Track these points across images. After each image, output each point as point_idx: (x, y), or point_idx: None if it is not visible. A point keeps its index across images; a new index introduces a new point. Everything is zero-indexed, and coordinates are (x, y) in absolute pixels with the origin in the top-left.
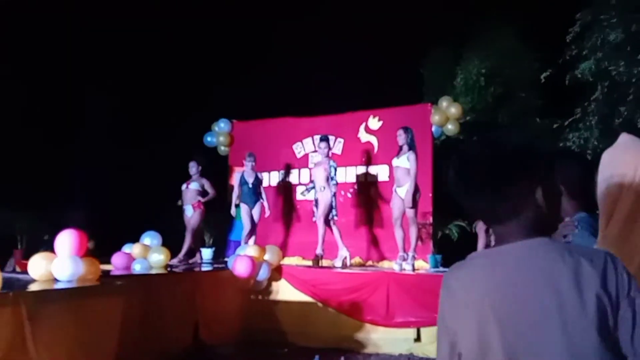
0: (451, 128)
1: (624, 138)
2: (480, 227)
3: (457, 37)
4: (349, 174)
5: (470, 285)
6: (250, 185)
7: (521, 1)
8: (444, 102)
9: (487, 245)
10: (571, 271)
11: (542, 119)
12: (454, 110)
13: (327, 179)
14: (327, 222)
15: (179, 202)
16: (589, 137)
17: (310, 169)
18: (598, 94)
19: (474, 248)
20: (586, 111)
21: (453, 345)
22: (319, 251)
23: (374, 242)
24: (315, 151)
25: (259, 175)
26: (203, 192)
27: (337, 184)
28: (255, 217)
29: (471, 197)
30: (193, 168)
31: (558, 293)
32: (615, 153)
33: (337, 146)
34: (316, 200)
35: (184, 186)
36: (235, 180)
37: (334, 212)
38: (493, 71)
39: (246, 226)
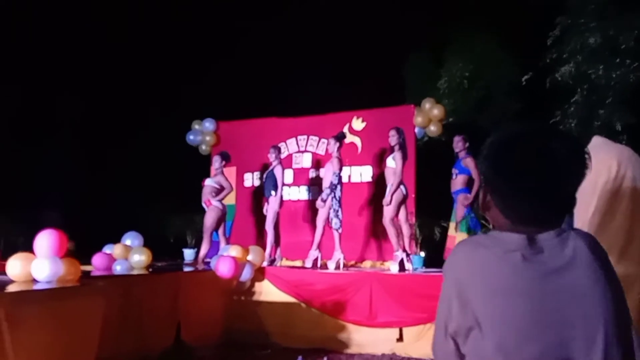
0: (434, 129)
1: (597, 140)
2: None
3: (439, 40)
4: None
5: (509, 276)
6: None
7: (502, 5)
8: (427, 104)
9: None
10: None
11: (522, 122)
12: (437, 111)
13: (330, 183)
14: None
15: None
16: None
17: (294, 169)
18: (577, 97)
19: None
20: (566, 114)
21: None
22: (315, 253)
23: (357, 242)
24: (300, 151)
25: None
26: (219, 190)
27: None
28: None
29: (516, 200)
30: (216, 163)
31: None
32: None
33: (321, 147)
34: (311, 201)
35: (204, 183)
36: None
37: (337, 221)
38: (475, 74)
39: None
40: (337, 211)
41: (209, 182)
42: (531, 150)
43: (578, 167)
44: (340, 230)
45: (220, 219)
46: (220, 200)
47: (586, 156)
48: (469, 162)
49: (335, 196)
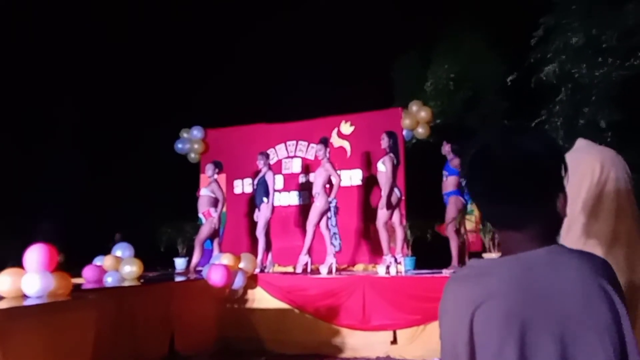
0: (421, 131)
1: (581, 143)
2: None
3: (426, 42)
4: None
5: (497, 298)
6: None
7: (488, 6)
8: (414, 106)
9: None
10: (597, 282)
11: (509, 121)
12: (424, 114)
13: (324, 185)
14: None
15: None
16: (555, 137)
17: (284, 175)
18: (562, 95)
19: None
20: (551, 113)
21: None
22: (304, 258)
23: (348, 246)
24: (289, 157)
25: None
26: (216, 199)
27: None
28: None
29: (495, 203)
30: (209, 171)
31: (590, 306)
32: (573, 157)
33: (310, 151)
34: (302, 206)
35: (198, 193)
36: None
37: (336, 243)
38: (461, 75)
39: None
40: (335, 234)
41: (204, 192)
42: (501, 152)
43: (549, 167)
44: (338, 249)
45: (216, 231)
46: (218, 214)
47: (554, 154)
48: (456, 163)
49: (332, 215)
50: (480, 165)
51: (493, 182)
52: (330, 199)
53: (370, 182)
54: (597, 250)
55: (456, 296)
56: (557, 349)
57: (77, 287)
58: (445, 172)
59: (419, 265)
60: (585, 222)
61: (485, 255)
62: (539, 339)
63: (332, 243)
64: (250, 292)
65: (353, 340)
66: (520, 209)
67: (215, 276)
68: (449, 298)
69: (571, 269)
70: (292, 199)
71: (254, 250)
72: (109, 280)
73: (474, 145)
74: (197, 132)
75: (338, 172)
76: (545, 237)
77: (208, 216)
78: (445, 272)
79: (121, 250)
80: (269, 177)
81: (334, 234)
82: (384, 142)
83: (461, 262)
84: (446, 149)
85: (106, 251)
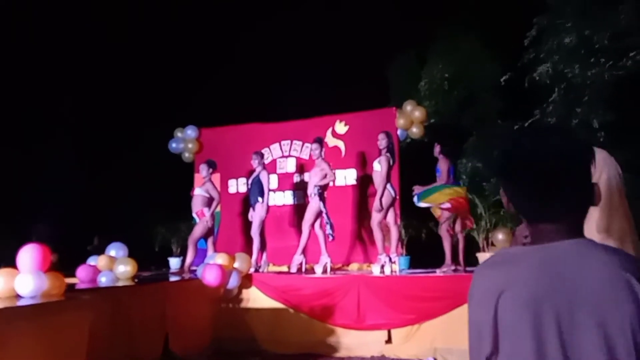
0: (416, 131)
1: None
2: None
3: (421, 42)
4: None
5: (524, 284)
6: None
7: (482, 7)
8: (409, 106)
9: None
10: (623, 276)
11: (503, 121)
12: (418, 113)
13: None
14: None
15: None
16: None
17: (278, 174)
18: (555, 96)
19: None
20: (545, 112)
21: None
22: (299, 257)
23: (343, 245)
24: (284, 156)
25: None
26: (210, 199)
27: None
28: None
29: (536, 198)
30: (203, 171)
31: (618, 300)
32: None
33: (305, 151)
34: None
35: (192, 193)
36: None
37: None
38: (456, 75)
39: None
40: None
41: (198, 192)
42: (541, 149)
43: (584, 164)
44: (331, 237)
45: (210, 230)
46: (211, 213)
47: (586, 149)
48: (441, 164)
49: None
50: (518, 164)
51: (535, 179)
52: (315, 190)
53: (364, 181)
54: None
55: (483, 282)
56: (581, 336)
57: (71, 287)
58: (437, 173)
59: (413, 264)
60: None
61: (479, 255)
62: (561, 326)
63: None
64: (244, 291)
65: (348, 339)
66: (562, 203)
67: (209, 276)
68: (475, 284)
69: (598, 261)
70: (286, 198)
71: (248, 250)
72: (103, 280)
73: (499, 145)
74: (191, 132)
75: (333, 171)
76: (576, 228)
77: (201, 216)
78: (439, 272)
79: (115, 249)
80: (263, 176)
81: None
82: (382, 142)
83: (455, 261)
84: (437, 150)
85: (87, 253)
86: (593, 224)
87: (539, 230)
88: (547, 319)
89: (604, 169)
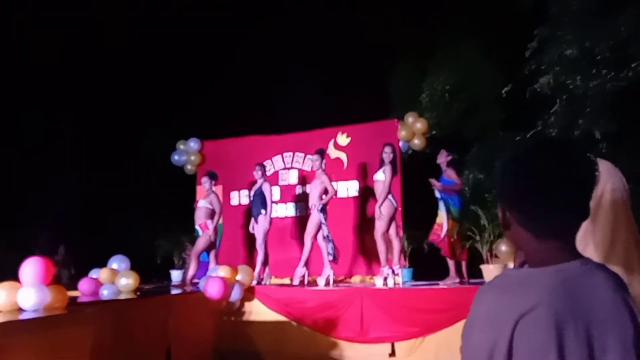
0: (417, 143)
1: None
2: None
3: (422, 54)
4: None
5: (547, 307)
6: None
7: (483, 18)
8: (410, 118)
9: None
10: (622, 296)
11: (505, 132)
12: (420, 125)
13: (320, 197)
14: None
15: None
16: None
17: (280, 186)
18: (557, 107)
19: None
20: (547, 124)
21: None
22: (302, 270)
23: (345, 257)
24: (286, 168)
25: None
26: (213, 211)
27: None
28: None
29: (545, 213)
30: (206, 184)
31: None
32: None
33: (307, 163)
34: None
35: (196, 205)
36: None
37: (330, 245)
38: (457, 87)
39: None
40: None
41: (202, 204)
42: (553, 161)
43: (593, 176)
44: (332, 258)
45: (213, 243)
46: (214, 226)
47: (593, 161)
48: (450, 174)
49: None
50: (528, 177)
51: (543, 193)
52: (319, 206)
53: (366, 193)
54: (595, 259)
55: (495, 305)
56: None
57: (73, 300)
58: (443, 183)
59: (416, 276)
60: (583, 232)
61: (483, 267)
62: (578, 348)
63: (328, 252)
64: (247, 304)
65: (351, 352)
66: (570, 218)
67: (212, 288)
68: (485, 308)
69: (601, 283)
70: (288, 210)
71: (250, 262)
72: (105, 293)
73: (508, 158)
74: (193, 144)
75: (333, 183)
76: (574, 245)
77: (205, 228)
78: (442, 284)
79: (117, 262)
80: (265, 188)
81: (327, 237)
82: (390, 155)
83: (458, 273)
84: (442, 158)
85: (102, 264)
86: (576, 242)
87: (544, 247)
88: (571, 341)
89: (608, 180)
